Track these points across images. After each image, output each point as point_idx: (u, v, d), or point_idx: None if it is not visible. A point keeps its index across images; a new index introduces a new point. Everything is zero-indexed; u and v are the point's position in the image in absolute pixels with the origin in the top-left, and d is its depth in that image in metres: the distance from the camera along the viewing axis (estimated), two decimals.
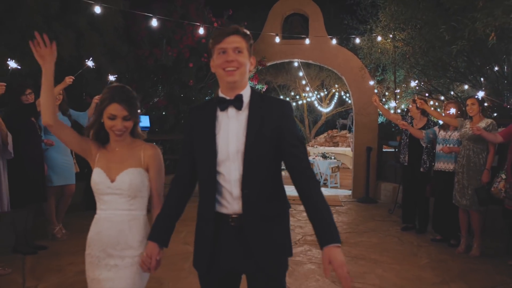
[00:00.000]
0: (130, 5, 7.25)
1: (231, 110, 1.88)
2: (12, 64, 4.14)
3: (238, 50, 1.84)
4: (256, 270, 1.87)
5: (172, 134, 8.49)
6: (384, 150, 9.03)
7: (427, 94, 8.46)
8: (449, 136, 5.18)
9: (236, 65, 1.83)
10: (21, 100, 4.53)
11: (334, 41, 8.47)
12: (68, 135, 2.13)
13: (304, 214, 6.79)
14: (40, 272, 4.15)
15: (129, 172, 2.10)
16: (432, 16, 6.41)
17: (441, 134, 5.29)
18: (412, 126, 5.80)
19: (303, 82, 15.94)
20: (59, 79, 5.18)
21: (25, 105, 4.55)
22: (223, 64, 1.83)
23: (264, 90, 14.97)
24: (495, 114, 7.17)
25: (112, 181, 2.09)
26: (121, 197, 2.10)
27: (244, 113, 1.88)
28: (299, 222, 6.26)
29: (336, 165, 10.58)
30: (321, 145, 16.33)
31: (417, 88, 8.59)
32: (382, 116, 9.40)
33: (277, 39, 8.23)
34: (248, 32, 1.90)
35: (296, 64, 10.58)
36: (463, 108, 5.22)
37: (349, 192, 8.82)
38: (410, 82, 8.24)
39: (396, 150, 7.73)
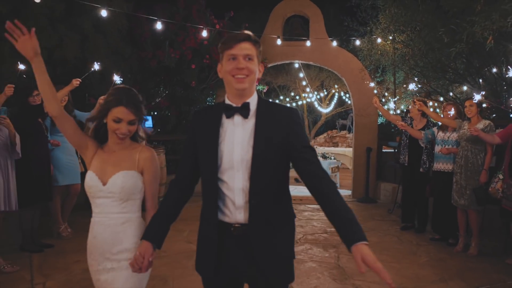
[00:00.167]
0: (133, 7, 7.34)
1: (237, 118, 1.85)
2: (22, 67, 4.22)
3: (248, 57, 1.81)
4: (259, 279, 1.85)
5: (174, 135, 8.57)
6: (383, 150, 9.10)
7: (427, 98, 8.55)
8: (448, 137, 5.27)
9: (246, 73, 1.80)
10: (28, 101, 4.62)
11: (334, 43, 8.55)
12: (71, 127, 2.10)
13: (305, 213, 6.88)
14: (47, 269, 4.24)
15: (121, 175, 2.08)
16: (431, 18, 6.50)
17: (440, 135, 5.38)
18: (412, 127, 5.89)
19: (304, 83, 16.01)
20: (64, 80, 5.28)
21: (33, 106, 4.64)
22: (233, 71, 1.80)
23: (265, 91, 15.04)
24: (494, 115, 7.26)
25: (104, 184, 2.07)
26: (113, 200, 2.08)
27: (250, 122, 1.84)
28: (300, 222, 6.34)
29: (336, 165, 10.66)
30: (321, 146, 16.41)
31: (415, 89, 8.66)
32: (381, 117, 9.49)
33: (279, 41, 8.31)
34: (258, 39, 1.87)
35: (296, 65, 10.65)
36: (462, 110, 5.31)
37: (349, 192, 8.90)
38: (409, 84, 8.31)
39: (396, 150, 7.81)
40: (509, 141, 4.63)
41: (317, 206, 7.75)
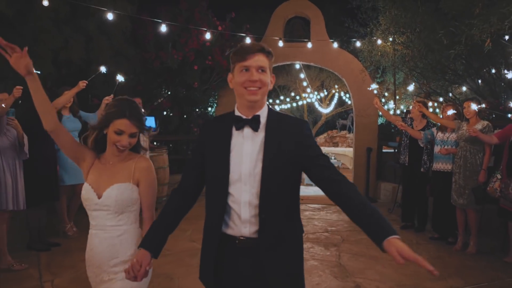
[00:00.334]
0: (137, 9, 7.43)
1: (247, 130, 1.82)
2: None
3: (261, 69, 1.78)
4: None
5: (176, 135, 8.67)
6: (383, 151, 9.19)
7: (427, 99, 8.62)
8: (447, 138, 5.36)
9: (259, 85, 1.78)
10: None
11: (335, 45, 8.63)
12: (67, 141, 2.09)
13: (306, 213, 6.95)
14: (55, 267, 4.34)
15: (115, 187, 2.06)
16: (431, 20, 6.58)
17: (439, 135, 5.47)
18: (412, 127, 5.98)
19: (304, 84, 16.08)
20: (69, 81, 5.37)
21: None
22: (246, 83, 1.77)
23: None
24: (493, 116, 7.34)
25: (99, 197, 2.05)
26: (108, 213, 2.07)
27: (260, 135, 1.82)
28: (302, 221, 6.42)
29: (336, 165, 10.74)
30: (321, 146, 16.47)
31: (414, 91, 8.74)
32: (382, 117, 9.57)
33: (280, 43, 8.39)
34: (271, 50, 1.85)
35: (297, 66, 10.73)
36: (461, 111, 5.40)
37: None
38: (409, 85, 8.39)
39: (396, 151, 7.89)
40: (506, 141, 4.72)
41: (318, 206, 7.86)
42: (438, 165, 5.43)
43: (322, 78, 16.68)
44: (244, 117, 1.84)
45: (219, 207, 1.81)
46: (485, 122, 5.01)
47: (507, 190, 4.54)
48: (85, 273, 2.59)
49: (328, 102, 18.66)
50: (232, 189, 1.79)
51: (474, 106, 4.93)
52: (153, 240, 1.87)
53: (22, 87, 4.16)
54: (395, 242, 1.52)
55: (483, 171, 4.93)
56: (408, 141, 6.11)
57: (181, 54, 7.89)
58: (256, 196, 1.78)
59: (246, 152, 1.80)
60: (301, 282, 1.92)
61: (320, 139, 18.14)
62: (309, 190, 9.05)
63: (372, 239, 1.60)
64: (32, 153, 4.45)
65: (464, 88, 8.42)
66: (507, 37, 5.66)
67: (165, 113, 8.58)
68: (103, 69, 4.71)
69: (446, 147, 5.33)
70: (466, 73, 7.63)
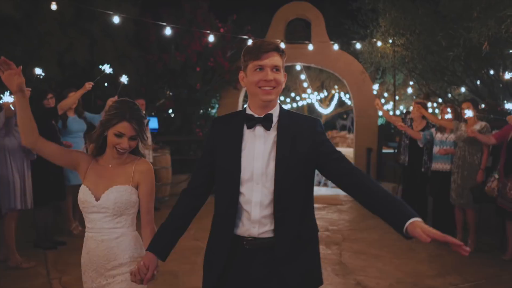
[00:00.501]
0: (140, 10, 7.53)
1: (259, 129, 1.79)
2: (38, 71, 4.40)
3: (276, 68, 1.75)
4: None
5: (179, 136, 8.76)
6: (383, 151, 9.27)
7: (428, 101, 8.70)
8: (446, 138, 5.46)
9: (274, 84, 1.74)
10: (43, 104, 4.80)
11: (336, 46, 8.72)
12: (53, 150, 2.05)
13: None
14: (62, 265, 4.42)
15: (115, 190, 2.03)
16: (430, 23, 6.68)
17: (438, 136, 5.56)
18: (412, 128, 6.06)
19: (305, 85, 16.18)
20: (73, 83, 5.46)
21: (47, 108, 4.82)
22: (260, 82, 1.74)
23: None
24: (492, 116, 7.42)
25: (97, 199, 2.02)
26: (106, 215, 2.03)
27: (272, 134, 1.79)
28: None
29: None
30: None
31: (413, 92, 8.83)
32: (381, 118, 9.66)
33: (282, 45, 8.48)
34: (283, 48, 1.81)
35: (298, 67, 10.82)
36: (459, 111, 5.49)
37: None
38: (408, 86, 8.49)
39: (396, 151, 7.98)
40: (504, 142, 4.82)
41: (319, 205, 7.96)
42: (437, 165, 5.53)
43: (322, 79, 16.78)
44: (256, 115, 1.80)
45: (231, 208, 1.78)
46: (483, 123, 5.09)
47: (504, 190, 4.63)
48: None
49: (328, 103, 18.76)
50: (243, 189, 1.77)
51: (470, 113, 5.00)
52: (160, 243, 1.85)
53: (30, 89, 4.25)
54: (419, 224, 1.52)
55: (481, 171, 5.02)
56: (408, 142, 6.19)
57: (183, 56, 7.99)
58: (267, 195, 1.75)
59: (258, 151, 1.77)
60: (319, 277, 1.91)
61: None
62: None
63: (394, 225, 1.58)
64: None
65: (463, 89, 8.52)
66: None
67: (170, 111, 8.67)
68: (109, 69, 4.78)
69: (444, 147, 5.42)
70: (464, 75, 7.72)
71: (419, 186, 6.04)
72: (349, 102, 16.64)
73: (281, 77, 1.78)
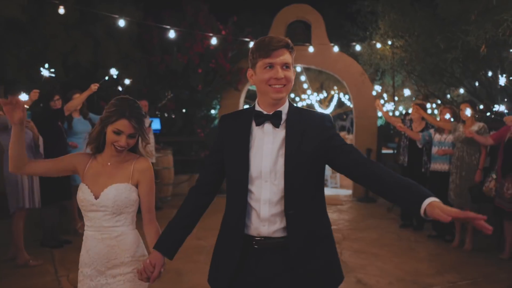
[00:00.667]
0: (143, 13, 7.62)
1: (268, 126, 1.77)
2: (45, 72, 4.49)
3: (286, 66, 1.72)
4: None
5: (181, 136, 8.86)
6: (383, 151, 9.35)
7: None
8: (444, 139, 5.56)
9: (284, 82, 1.72)
10: (50, 105, 4.90)
11: (336, 48, 8.80)
12: (45, 167, 2.08)
13: None
14: (69, 263, 4.50)
15: (114, 188, 2.01)
16: (429, 25, 6.77)
17: (437, 137, 5.66)
18: (412, 129, 6.16)
19: (305, 86, 16.26)
20: (77, 84, 5.54)
21: (53, 110, 4.91)
22: (270, 80, 1.71)
23: None
24: (490, 116, 7.52)
25: (96, 197, 2.01)
26: (106, 214, 2.02)
27: (281, 131, 1.76)
28: None
29: None
30: None
31: (412, 94, 8.91)
32: (381, 118, 9.75)
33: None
34: (293, 45, 1.78)
35: (298, 69, 10.91)
36: (457, 112, 5.59)
37: (350, 192, 9.15)
38: (406, 89, 8.57)
39: (395, 151, 8.07)
40: (501, 142, 4.92)
41: None
42: (435, 166, 5.62)
43: (322, 80, 16.86)
44: (265, 112, 1.78)
45: (240, 206, 1.77)
46: (481, 124, 5.19)
47: (502, 190, 4.73)
48: None
49: (327, 104, 18.84)
50: (252, 187, 1.75)
51: (468, 112, 5.11)
52: (168, 242, 1.84)
53: (38, 91, 4.35)
54: (437, 204, 1.52)
55: (479, 171, 5.12)
56: (407, 142, 6.28)
57: (186, 57, 8.08)
58: (276, 193, 1.73)
59: (267, 148, 1.74)
60: (339, 273, 1.88)
61: None
62: None
63: (411, 207, 1.56)
64: (46, 153, 4.63)
65: (461, 91, 8.60)
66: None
67: (171, 112, 8.77)
68: (114, 72, 4.86)
69: (443, 148, 5.52)
70: (463, 76, 7.81)
71: None
72: (348, 103, 16.74)
73: (291, 74, 1.75)
